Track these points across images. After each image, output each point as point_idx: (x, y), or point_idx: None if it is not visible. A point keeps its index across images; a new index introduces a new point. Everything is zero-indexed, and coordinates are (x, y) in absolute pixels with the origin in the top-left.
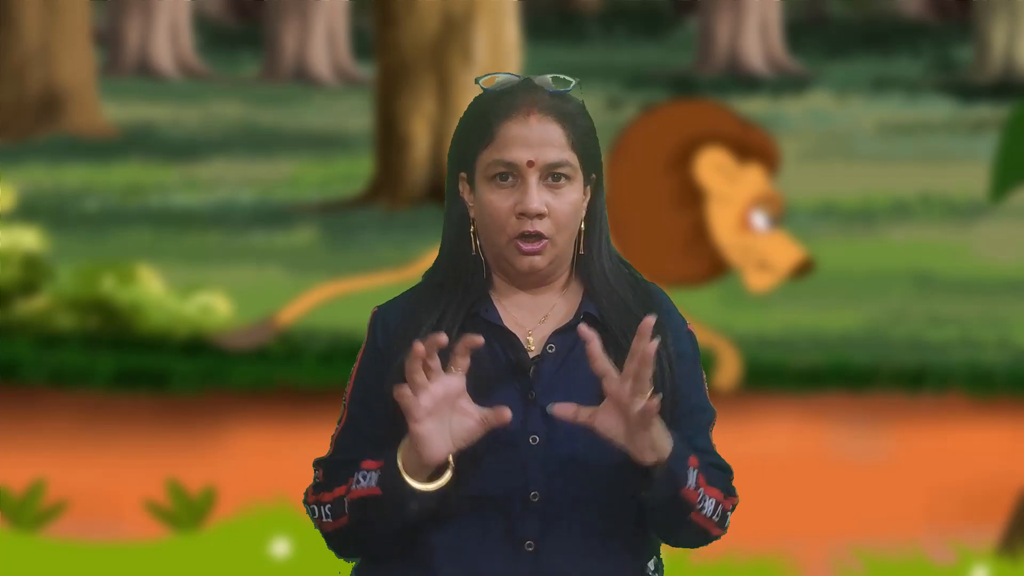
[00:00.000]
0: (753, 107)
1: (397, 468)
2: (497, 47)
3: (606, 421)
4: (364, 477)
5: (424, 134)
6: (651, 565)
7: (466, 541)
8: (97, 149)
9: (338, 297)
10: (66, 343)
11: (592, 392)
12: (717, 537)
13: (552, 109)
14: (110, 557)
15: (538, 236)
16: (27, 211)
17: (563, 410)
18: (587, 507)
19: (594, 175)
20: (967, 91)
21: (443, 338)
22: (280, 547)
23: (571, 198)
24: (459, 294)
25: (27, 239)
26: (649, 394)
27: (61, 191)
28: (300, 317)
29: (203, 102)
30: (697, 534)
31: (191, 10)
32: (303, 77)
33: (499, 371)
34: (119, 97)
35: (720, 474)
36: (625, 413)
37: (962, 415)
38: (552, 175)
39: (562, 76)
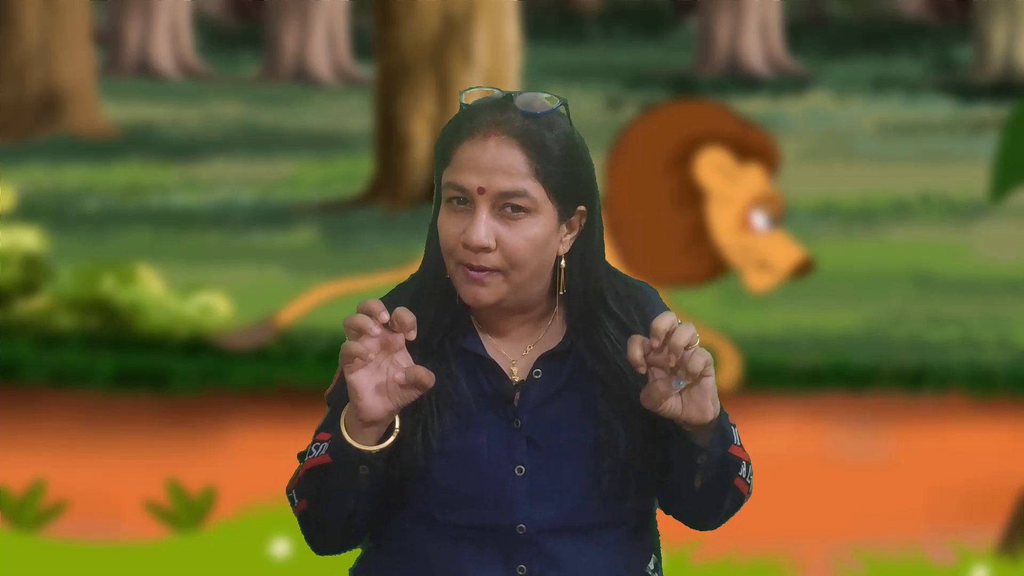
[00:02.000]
0: (753, 107)
1: (341, 432)
2: (497, 47)
3: (662, 396)
4: (317, 448)
5: (424, 134)
6: (651, 566)
7: (461, 561)
8: (97, 149)
9: (338, 297)
10: (66, 343)
11: (580, 418)
12: (747, 499)
13: (518, 133)
14: (110, 557)
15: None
16: (27, 211)
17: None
18: (577, 532)
19: (582, 207)
20: (967, 91)
21: (409, 318)
22: (280, 547)
23: (530, 232)
24: (430, 322)
25: (27, 239)
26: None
27: (61, 191)
28: (300, 317)
29: (203, 102)
30: (736, 500)
31: (191, 10)
32: (303, 77)
33: (482, 401)
34: (119, 97)
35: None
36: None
37: (962, 415)
38: (509, 206)
39: (552, 95)
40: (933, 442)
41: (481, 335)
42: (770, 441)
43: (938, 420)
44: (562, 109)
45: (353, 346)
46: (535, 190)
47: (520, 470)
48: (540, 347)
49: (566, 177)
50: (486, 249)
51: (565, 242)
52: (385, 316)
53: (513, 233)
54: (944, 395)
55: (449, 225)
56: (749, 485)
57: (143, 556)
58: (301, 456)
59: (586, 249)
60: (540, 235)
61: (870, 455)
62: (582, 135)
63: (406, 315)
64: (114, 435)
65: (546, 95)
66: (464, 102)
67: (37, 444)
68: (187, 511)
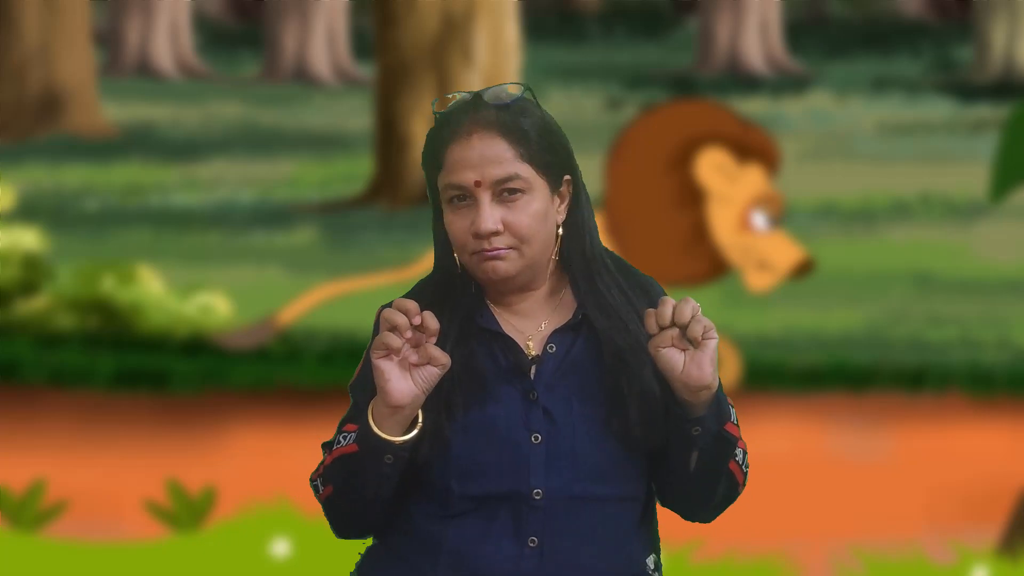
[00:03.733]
0: (753, 107)
1: (368, 422)
2: (497, 47)
3: (666, 352)
4: (344, 438)
5: (424, 134)
6: (650, 563)
7: (470, 539)
8: (97, 149)
9: (338, 297)
10: (66, 343)
11: (593, 389)
12: (740, 491)
13: (496, 124)
14: (110, 557)
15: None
16: (27, 211)
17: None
18: (589, 504)
19: (567, 177)
20: (967, 91)
21: (434, 324)
22: (280, 547)
23: (531, 209)
24: (449, 311)
25: (27, 239)
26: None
27: (61, 191)
28: (300, 317)
29: (203, 102)
30: (730, 488)
31: (191, 10)
32: (303, 77)
33: (499, 375)
34: (119, 97)
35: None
36: (680, 342)
37: (962, 415)
38: (505, 190)
39: (516, 83)
40: (933, 442)
41: (497, 315)
42: (770, 441)
43: (938, 420)
44: (528, 95)
45: (389, 337)
46: (524, 171)
47: (537, 438)
48: (553, 322)
49: (547, 153)
50: (496, 234)
51: (561, 212)
52: (418, 319)
53: (516, 213)
54: (944, 395)
55: (456, 223)
56: (745, 474)
57: (143, 556)
58: (325, 446)
59: (577, 212)
60: (539, 209)
61: (870, 455)
62: (582, 134)
63: (432, 321)
64: (114, 435)
65: (509, 84)
66: (436, 111)
67: (37, 444)
68: (187, 511)
